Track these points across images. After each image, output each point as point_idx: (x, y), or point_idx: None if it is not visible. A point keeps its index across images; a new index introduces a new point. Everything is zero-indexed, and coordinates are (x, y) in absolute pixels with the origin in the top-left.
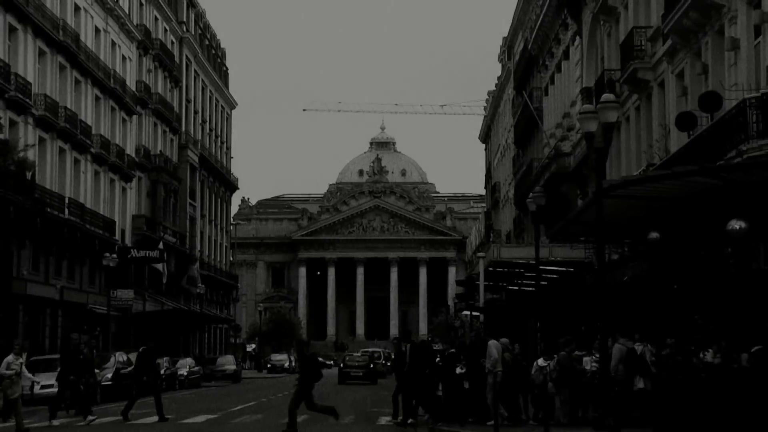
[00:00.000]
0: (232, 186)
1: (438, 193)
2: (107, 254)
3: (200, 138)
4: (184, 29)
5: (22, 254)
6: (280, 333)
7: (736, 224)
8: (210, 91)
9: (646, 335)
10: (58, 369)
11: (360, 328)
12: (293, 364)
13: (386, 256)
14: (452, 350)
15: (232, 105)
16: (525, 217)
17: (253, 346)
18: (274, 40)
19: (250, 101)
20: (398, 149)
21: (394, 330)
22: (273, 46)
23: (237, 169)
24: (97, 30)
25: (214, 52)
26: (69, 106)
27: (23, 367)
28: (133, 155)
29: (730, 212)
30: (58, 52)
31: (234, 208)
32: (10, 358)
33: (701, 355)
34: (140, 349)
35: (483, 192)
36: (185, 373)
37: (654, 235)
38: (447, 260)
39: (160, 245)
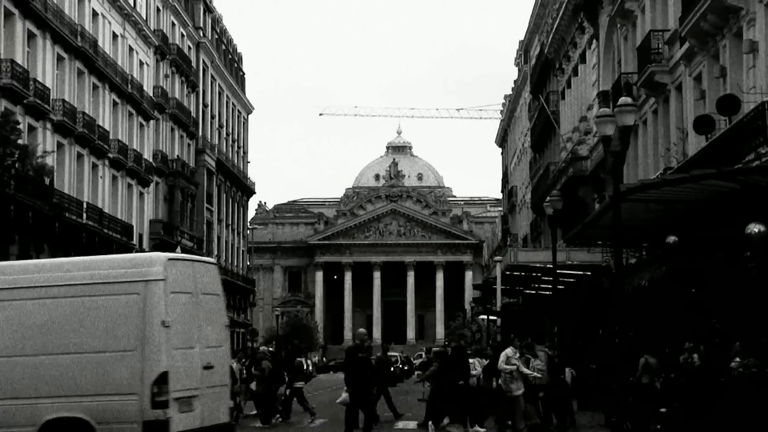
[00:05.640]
0: (248, 190)
1: (454, 197)
2: None
3: (217, 143)
4: (201, 34)
5: (41, 258)
6: (297, 337)
7: (755, 227)
8: (227, 95)
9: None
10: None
11: (377, 332)
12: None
13: (403, 260)
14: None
15: (249, 109)
16: (542, 221)
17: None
18: (290, 45)
19: (266, 106)
20: (415, 153)
21: (411, 334)
22: (289, 50)
23: (254, 173)
24: (114, 36)
25: (230, 56)
26: (87, 111)
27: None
28: (151, 160)
29: (749, 215)
30: (76, 58)
31: (251, 213)
32: (509, 351)
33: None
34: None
35: (500, 196)
36: None
37: (672, 238)
38: (464, 264)
39: (178, 250)
